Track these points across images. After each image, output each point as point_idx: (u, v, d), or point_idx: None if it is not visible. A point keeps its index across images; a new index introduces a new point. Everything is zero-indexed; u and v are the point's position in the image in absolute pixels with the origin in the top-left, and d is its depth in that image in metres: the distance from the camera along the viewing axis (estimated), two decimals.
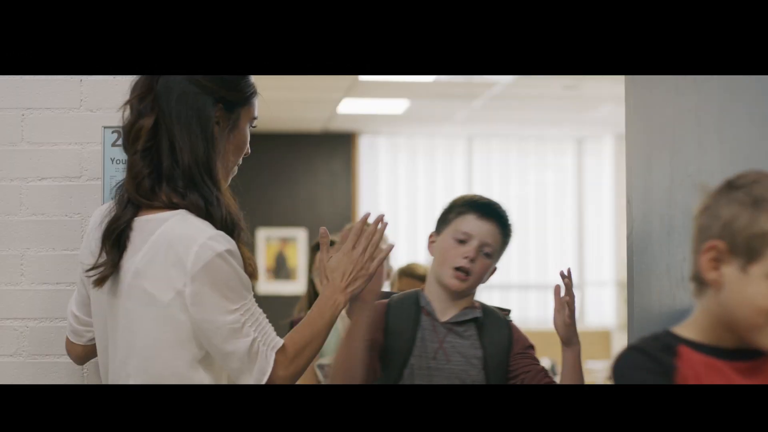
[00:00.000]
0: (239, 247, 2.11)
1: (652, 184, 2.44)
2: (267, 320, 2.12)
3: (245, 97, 2.21)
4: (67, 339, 2.34)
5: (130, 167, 2.14)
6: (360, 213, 10.20)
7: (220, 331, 2.05)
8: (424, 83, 7.65)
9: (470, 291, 2.52)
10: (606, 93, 7.89)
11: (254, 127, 2.26)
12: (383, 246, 2.26)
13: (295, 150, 9.98)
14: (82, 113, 2.55)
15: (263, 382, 2.08)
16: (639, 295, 2.50)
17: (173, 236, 2.07)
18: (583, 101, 8.53)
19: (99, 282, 2.13)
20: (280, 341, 2.12)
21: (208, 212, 2.10)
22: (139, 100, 2.14)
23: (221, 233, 2.08)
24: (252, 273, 2.13)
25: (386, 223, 2.27)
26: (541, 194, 10.25)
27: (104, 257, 2.12)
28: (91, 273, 2.14)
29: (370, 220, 2.26)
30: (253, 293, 2.12)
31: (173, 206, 2.10)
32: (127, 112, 2.16)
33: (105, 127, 2.52)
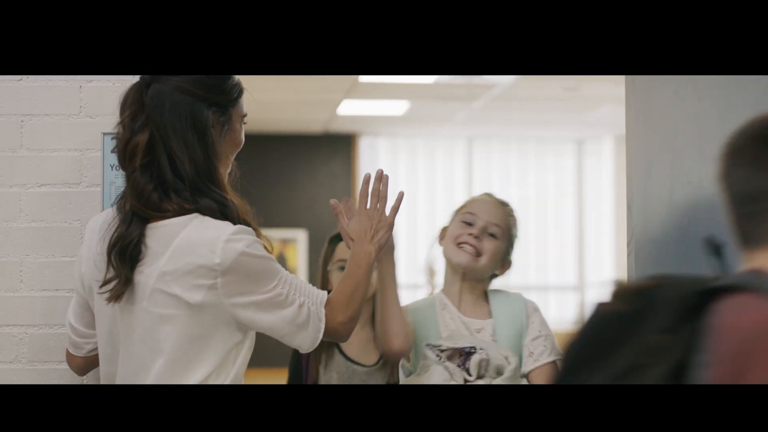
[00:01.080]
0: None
1: (652, 190, 2.43)
2: (305, 282, 2.20)
3: (234, 98, 2.22)
4: (67, 351, 2.33)
5: (133, 185, 2.12)
6: None
7: (264, 307, 2.11)
8: (424, 84, 7.63)
9: None
10: (606, 94, 7.88)
11: (245, 123, 2.28)
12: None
13: (296, 151, 9.97)
14: (81, 119, 2.54)
15: (321, 335, 2.17)
16: None
17: (196, 239, 2.08)
18: (583, 102, 8.53)
19: (115, 298, 2.12)
20: (325, 294, 2.20)
21: (223, 214, 2.13)
22: (131, 119, 2.14)
23: (240, 227, 2.12)
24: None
25: (387, 176, 2.37)
26: (541, 195, 10.23)
27: (112, 272, 2.11)
28: (103, 290, 2.13)
29: (372, 179, 2.37)
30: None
31: (186, 212, 2.11)
32: (120, 130, 2.16)
33: (105, 134, 2.51)
